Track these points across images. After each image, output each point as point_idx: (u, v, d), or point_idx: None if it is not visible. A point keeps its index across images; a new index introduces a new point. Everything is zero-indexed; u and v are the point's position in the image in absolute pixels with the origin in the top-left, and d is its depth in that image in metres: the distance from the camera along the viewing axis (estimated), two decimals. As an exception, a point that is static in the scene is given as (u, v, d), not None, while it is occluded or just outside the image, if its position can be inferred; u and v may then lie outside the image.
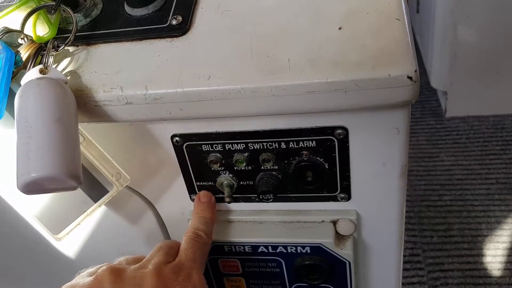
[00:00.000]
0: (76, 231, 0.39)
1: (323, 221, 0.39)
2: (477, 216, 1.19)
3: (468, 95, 1.43)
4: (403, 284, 1.07)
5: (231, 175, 0.38)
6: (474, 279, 1.07)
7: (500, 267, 1.08)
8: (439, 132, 1.42)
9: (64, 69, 0.34)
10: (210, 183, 0.39)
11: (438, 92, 1.55)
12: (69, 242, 0.45)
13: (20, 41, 0.34)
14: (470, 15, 1.27)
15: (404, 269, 1.10)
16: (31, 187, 0.28)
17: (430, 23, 1.42)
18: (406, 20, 0.31)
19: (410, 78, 0.28)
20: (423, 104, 1.53)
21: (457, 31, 1.30)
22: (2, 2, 0.40)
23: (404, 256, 1.12)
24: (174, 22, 0.34)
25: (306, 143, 0.35)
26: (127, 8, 0.36)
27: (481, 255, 1.11)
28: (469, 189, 1.25)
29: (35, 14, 0.34)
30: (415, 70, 0.28)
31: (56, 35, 0.35)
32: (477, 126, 1.42)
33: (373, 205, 0.38)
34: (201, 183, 0.39)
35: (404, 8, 0.32)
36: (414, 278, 1.09)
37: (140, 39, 0.34)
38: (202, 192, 0.40)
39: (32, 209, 0.36)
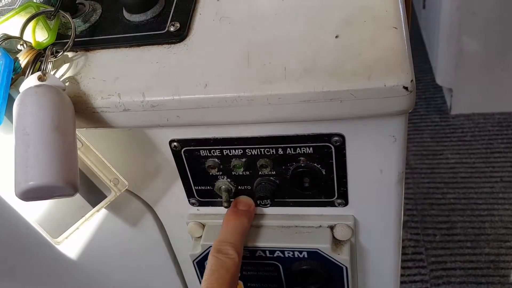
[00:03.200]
0: (77, 233, 0.39)
1: (320, 226, 0.39)
2: (480, 214, 1.19)
3: (474, 93, 1.42)
4: (405, 282, 1.08)
5: (229, 180, 0.38)
6: (476, 277, 1.07)
7: (503, 266, 1.08)
8: (443, 130, 1.42)
9: (62, 75, 0.34)
10: (208, 187, 0.39)
11: (443, 89, 1.55)
12: (70, 244, 0.45)
13: (19, 47, 0.34)
14: (477, 12, 1.26)
15: (406, 267, 1.10)
16: (29, 195, 0.29)
17: (436, 19, 1.41)
18: (403, 29, 0.31)
19: (406, 88, 0.28)
20: (428, 101, 1.53)
21: (463, 28, 1.29)
22: (2, 6, 0.40)
23: (407, 254, 1.12)
24: (172, 29, 0.34)
25: (303, 149, 0.35)
26: (126, 14, 0.36)
27: (484, 254, 1.11)
28: (473, 187, 1.25)
29: (34, 20, 0.34)
30: (411, 80, 0.28)
31: (56, 40, 0.35)
32: (482, 124, 1.42)
33: (371, 211, 0.38)
34: (199, 188, 0.39)
35: (402, 16, 0.32)
36: (417, 276, 1.09)
37: (138, 46, 0.34)
38: (242, 198, 0.39)
39: (32, 213, 0.37)
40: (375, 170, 0.35)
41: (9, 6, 0.39)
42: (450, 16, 1.30)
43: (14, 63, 0.33)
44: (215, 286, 0.34)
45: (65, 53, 0.35)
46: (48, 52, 0.33)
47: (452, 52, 1.35)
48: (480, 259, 1.10)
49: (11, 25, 0.34)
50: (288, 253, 0.39)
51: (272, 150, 0.36)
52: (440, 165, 1.32)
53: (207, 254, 0.41)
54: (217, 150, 0.36)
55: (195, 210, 0.41)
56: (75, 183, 0.29)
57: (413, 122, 1.46)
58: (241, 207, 0.38)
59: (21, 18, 0.34)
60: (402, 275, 1.09)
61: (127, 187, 0.37)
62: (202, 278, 0.43)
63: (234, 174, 0.38)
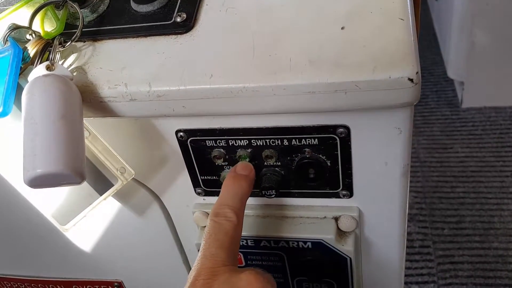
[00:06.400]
0: (85, 221, 0.40)
1: (325, 217, 0.39)
2: (490, 209, 1.18)
3: (486, 86, 1.40)
4: (412, 275, 1.08)
5: (234, 170, 0.38)
6: (484, 272, 1.06)
7: (511, 261, 1.08)
8: (454, 123, 1.41)
9: (70, 65, 0.34)
10: (214, 177, 0.39)
11: (454, 82, 1.53)
12: (78, 232, 0.46)
13: (28, 37, 0.34)
14: (490, 4, 1.24)
15: (414, 261, 1.10)
16: (37, 182, 0.29)
17: (448, 11, 1.39)
18: (410, 20, 0.31)
19: (411, 80, 0.28)
20: (439, 94, 1.51)
21: (476, 20, 1.27)
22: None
23: (414, 247, 1.12)
24: (178, 19, 0.34)
25: (308, 140, 0.35)
26: (133, 4, 0.36)
27: (492, 248, 1.10)
28: (483, 181, 1.24)
29: (43, 10, 0.35)
30: (417, 72, 0.28)
31: (64, 30, 0.35)
32: (493, 118, 1.40)
33: (375, 203, 0.38)
34: (205, 177, 0.40)
35: (409, 7, 0.32)
36: (424, 269, 1.09)
37: (145, 36, 0.35)
38: (241, 163, 0.37)
39: (41, 200, 0.37)
40: (380, 162, 0.35)
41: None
42: (463, 8, 1.29)
43: (23, 53, 0.33)
44: (213, 250, 0.32)
45: (73, 43, 0.35)
46: (56, 42, 0.33)
47: (464, 45, 1.34)
48: (489, 254, 1.09)
49: (20, 15, 0.35)
50: (292, 243, 0.40)
51: (278, 141, 0.36)
52: (450, 158, 1.31)
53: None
54: (223, 141, 0.37)
55: (201, 199, 0.42)
56: (82, 171, 0.30)
57: (423, 115, 1.45)
58: (240, 171, 0.36)
59: (30, 8, 0.35)
60: (409, 268, 1.08)
61: (133, 176, 0.37)
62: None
63: (240, 164, 0.38)
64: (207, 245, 0.33)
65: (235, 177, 0.36)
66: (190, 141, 0.37)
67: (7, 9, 0.36)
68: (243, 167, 0.37)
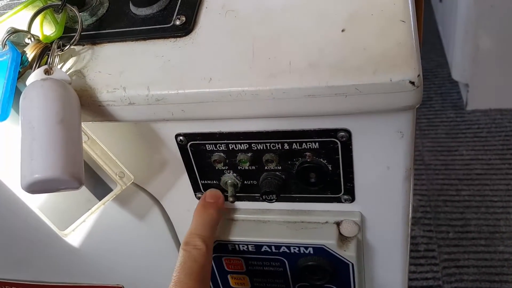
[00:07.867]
0: (85, 225, 0.39)
1: (326, 222, 0.39)
2: (495, 212, 1.17)
3: (490, 88, 1.40)
4: (417, 279, 1.07)
5: (235, 174, 0.38)
6: (490, 276, 1.05)
7: (517, 265, 1.07)
8: (459, 125, 1.40)
9: (69, 69, 0.34)
10: (214, 181, 0.39)
11: (459, 85, 1.52)
12: (78, 236, 0.46)
13: (27, 40, 0.34)
14: (494, 5, 1.23)
15: (419, 264, 1.09)
16: (34, 187, 0.29)
17: (453, 13, 1.38)
18: (411, 22, 0.30)
19: (412, 83, 0.28)
20: (443, 96, 1.50)
21: (480, 21, 1.27)
22: None
23: (419, 251, 1.11)
24: (177, 22, 0.34)
25: (309, 144, 0.35)
26: (132, 8, 0.36)
27: (498, 252, 1.09)
28: (488, 184, 1.23)
29: (42, 13, 0.34)
30: (418, 75, 0.28)
31: (63, 34, 0.35)
32: (499, 120, 1.39)
33: (378, 207, 0.38)
34: (205, 182, 0.39)
35: (410, 9, 0.31)
36: (429, 273, 1.08)
37: (144, 39, 0.34)
38: (209, 191, 0.39)
39: (40, 205, 0.37)
40: (382, 166, 0.35)
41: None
42: (467, 10, 1.28)
43: (22, 57, 0.33)
44: (182, 277, 0.34)
45: (72, 47, 0.35)
46: (54, 45, 0.33)
47: (469, 47, 1.33)
48: (494, 257, 1.08)
49: (19, 19, 0.35)
50: (294, 248, 0.39)
51: (278, 145, 0.35)
52: (455, 161, 1.30)
53: (213, 248, 0.41)
54: (223, 145, 0.36)
55: (202, 204, 0.41)
56: (80, 176, 0.29)
57: (428, 117, 1.44)
58: (208, 199, 0.39)
59: (28, 12, 0.35)
60: (414, 272, 1.07)
61: (132, 181, 0.37)
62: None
63: (240, 168, 0.37)
64: (177, 273, 0.35)
65: (205, 205, 0.39)
66: (190, 145, 0.37)
67: (6, 13, 0.35)
68: (211, 195, 0.39)
